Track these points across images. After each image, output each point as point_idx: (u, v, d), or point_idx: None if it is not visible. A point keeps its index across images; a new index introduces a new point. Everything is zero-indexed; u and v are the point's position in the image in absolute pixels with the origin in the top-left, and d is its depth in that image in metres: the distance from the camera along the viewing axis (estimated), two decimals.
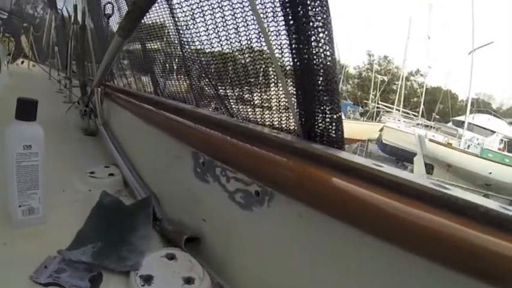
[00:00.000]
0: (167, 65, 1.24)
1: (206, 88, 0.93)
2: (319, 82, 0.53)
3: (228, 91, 0.82)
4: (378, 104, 24.78)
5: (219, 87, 0.85)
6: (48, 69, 5.04)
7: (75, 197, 1.00)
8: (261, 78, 0.69)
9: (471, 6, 14.82)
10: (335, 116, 0.55)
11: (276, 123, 0.69)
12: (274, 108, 0.68)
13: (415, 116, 24.56)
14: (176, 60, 1.15)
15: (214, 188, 0.70)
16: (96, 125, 1.84)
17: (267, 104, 0.70)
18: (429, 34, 24.53)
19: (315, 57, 0.51)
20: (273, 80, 0.66)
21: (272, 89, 0.67)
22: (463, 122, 16.04)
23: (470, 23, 15.05)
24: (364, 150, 19.36)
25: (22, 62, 7.58)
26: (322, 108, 0.55)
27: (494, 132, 16.24)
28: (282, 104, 0.65)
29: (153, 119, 1.05)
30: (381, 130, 18.88)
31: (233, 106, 0.80)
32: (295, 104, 0.60)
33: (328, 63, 0.51)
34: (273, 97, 0.67)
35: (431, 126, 19.93)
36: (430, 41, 24.77)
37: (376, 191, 0.40)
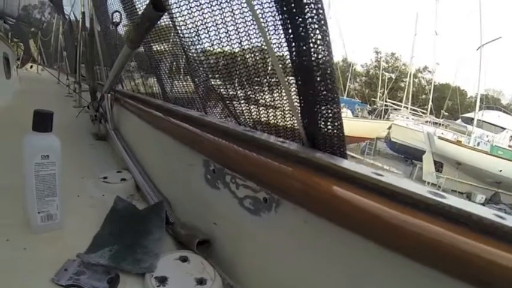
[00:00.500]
0: (174, 70, 1.27)
1: (213, 94, 0.96)
2: (320, 92, 0.56)
3: (233, 98, 0.85)
4: (386, 101, 24.62)
5: (225, 94, 0.88)
6: (56, 73, 5.11)
7: (89, 202, 1.04)
8: (266, 87, 0.72)
9: (479, 0, 14.68)
10: (336, 123, 0.58)
11: (281, 130, 0.72)
12: (279, 116, 0.71)
13: (423, 113, 24.38)
14: (183, 65, 1.18)
15: (225, 194, 0.73)
16: (106, 130, 1.89)
17: (272, 112, 0.73)
18: (436, 30, 24.33)
19: (315, 68, 0.54)
20: (277, 89, 0.69)
21: (277, 99, 0.70)
22: (472, 119, 15.88)
23: (478, 17, 14.90)
24: (373, 148, 19.26)
25: (31, 67, 7.70)
26: (323, 116, 0.58)
27: (504, 129, 16.05)
28: (287, 112, 0.68)
29: (162, 126, 1.08)
30: (390, 128, 18.80)
31: (239, 114, 0.83)
32: (299, 113, 0.63)
33: (328, 73, 0.54)
34: (278, 105, 0.70)
35: (440, 124, 19.77)
36: (437, 36, 24.57)
37: (375, 199, 0.43)
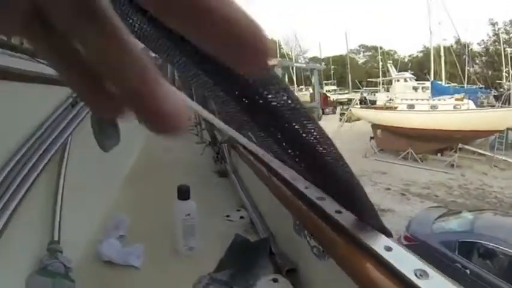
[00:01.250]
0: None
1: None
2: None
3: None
4: None
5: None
6: None
7: (217, 236, 1.51)
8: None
9: None
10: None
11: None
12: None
13: None
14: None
15: (304, 242, 1.13)
16: (226, 168, 2.37)
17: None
18: None
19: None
20: None
21: None
22: None
23: None
24: (504, 141, 16.58)
25: None
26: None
27: None
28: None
29: (267, 182, 1.47)
30: None
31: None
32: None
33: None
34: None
35: None
36: None
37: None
